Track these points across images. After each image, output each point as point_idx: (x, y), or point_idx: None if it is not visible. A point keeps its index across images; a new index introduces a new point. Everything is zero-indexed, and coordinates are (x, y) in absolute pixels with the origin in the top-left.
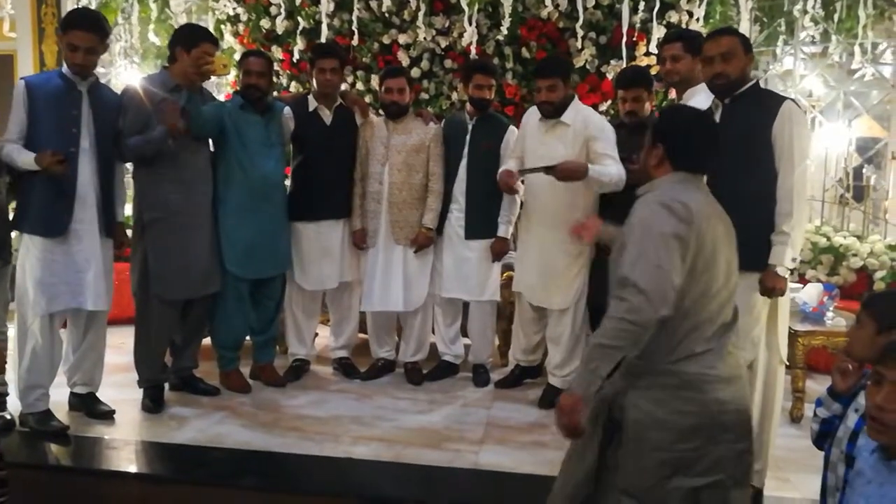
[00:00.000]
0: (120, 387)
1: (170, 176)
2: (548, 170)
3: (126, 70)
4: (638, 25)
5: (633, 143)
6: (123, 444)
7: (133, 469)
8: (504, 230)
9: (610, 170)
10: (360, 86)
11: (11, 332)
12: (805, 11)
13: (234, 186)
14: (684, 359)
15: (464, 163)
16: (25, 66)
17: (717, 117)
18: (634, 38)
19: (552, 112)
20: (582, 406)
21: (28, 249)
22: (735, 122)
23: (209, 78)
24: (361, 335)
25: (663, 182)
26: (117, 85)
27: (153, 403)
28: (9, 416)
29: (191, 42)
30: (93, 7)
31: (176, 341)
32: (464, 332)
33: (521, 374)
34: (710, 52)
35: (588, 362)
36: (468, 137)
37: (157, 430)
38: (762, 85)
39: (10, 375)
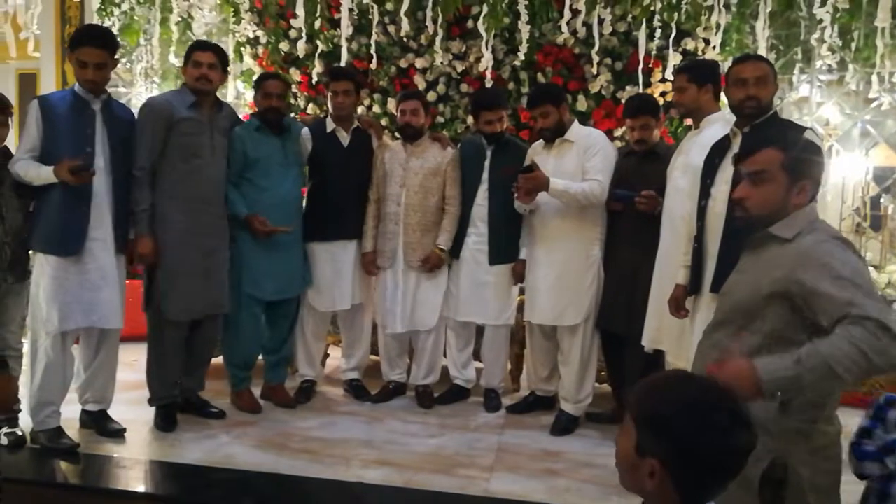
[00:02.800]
0: (132, 404)
1: (178, 195)
2: (524, 170)
3: (147, 91)
4: (654, 52)
5: (643, 171)
6: (133, 463)
7: (142, 489)
8: (526, 252)
9: (580, 185)
10: (376, 108)
11: (26, 348)
12: (822, 40)
13: (252, 208)
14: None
15: (484, 188)
16: (48, 85)
17: (737, 145)
18: (650, 65)
19: (551, 136)
20: (754, 384)
21: (42, 267)
22: (754, 151)
23: (207, 88)
24: (372, 357)
25: (813, 216)
26: (137, 105)
27: (165, 422)
28: (20, 433)
29: (186, 56)
30: (115, 28)
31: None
32: (475, 356)
33: (534, 402)
34: (744, 73)
35: (799, 365)
36: (487, 163)
37: (167, 449)
38: (779, 114)
39: (22, 392)
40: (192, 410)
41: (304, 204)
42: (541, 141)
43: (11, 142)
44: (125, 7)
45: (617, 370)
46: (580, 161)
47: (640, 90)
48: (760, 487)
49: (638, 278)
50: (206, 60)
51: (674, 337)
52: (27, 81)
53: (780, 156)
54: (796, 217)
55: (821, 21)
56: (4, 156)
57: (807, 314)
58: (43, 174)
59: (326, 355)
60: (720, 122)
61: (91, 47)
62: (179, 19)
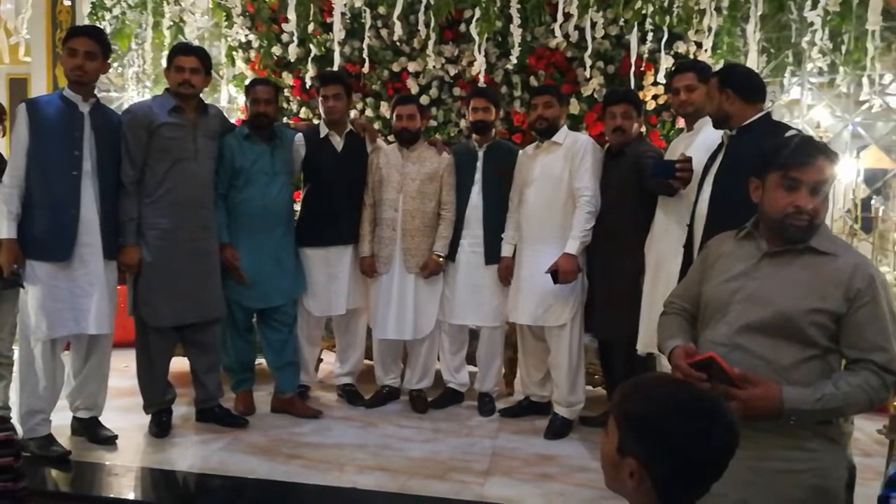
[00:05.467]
0: (124, 411)
1: (162, 200)
2: (553, 276)
3: (139, 95)
4: (646, 55)
5: (611, 167)
6: (125, 471)
7: (133, 496)
8: (508, 250)
9: (581, 227)
10: (369, 112)
11: (16, 355)
12: (813, 43)
13: (237, 216)
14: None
15: (477, 189)
16: (39, 89)
17: (725, 147)
18: (642, 68)
19: (546, 129)
20: (776, 408)
21: (32, 274)
22: (742, 152)
23: (190, 93)
24: (366, 361)
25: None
26: None
27: (159, 428)
28: None
29: (168, 61)
30: (107, 32)
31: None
32: (469, 359)
33: (528, 407)
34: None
35: (819, 403)
36: (479, 164)
37: (159, 455)
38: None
39: (13, 399)
40: (214, 419)
41: (295, 210)
42: (531, 145)
43: (2, 147)
44: (116, 11)
45: (611, 373)
46: (566, 164)
47: None
48: (847, 497)
49: (613, 281)
50: (189, 65)
51: None
52: (18, 86)
53: (830, 167)
54: (827, 231)
55: (811, 24)
56: None
57: (829, 330)
58: (3, 226)
59: (320, 360)
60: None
61: (82, 37)
62: (171, 23)
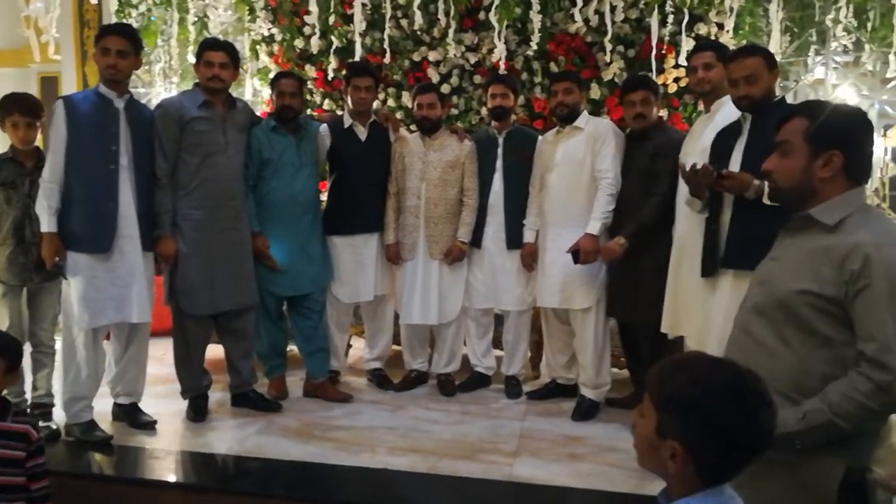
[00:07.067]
0: (162, 397)
1: (194, 192)
2: (574, 255)
3: (166, 91)
4: (667, 38)
5: (633, 151)
6: (165, 454)
7: (173, 478)
8: (531, 236)
9: (603, 208)
10: (391, 102)
11: (58, 345)
12: (837, 21)
13: (265, 206)
14: None
15: (498, 176)
16: (70, 88)
17: (746, 129)
18: (663, 51)
19: (567, 115)
20: None
21: (73, 266)
22: (764, 135)
23: (220, 87)
24: (394, 346)
25: (859, 201)
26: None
27: (196, 413)
28: (54, 427)
29: (197, 56)
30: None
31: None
32: (495, 343)
33: (555, 389)
34: (734, 74)
35: (804, 422)
36: (500, 151)
37: (197, 440)
38: (793, 96)
39: (56, 387)
40: (248, 404)
41: (322, 200)
42: (551, 131)
43: (39, 143)
44: (142, 8)
45: (634, 355)
46: (588, 148)
47: (654, 76)
48: (840, 498)
49: (635, 264)
50: (218, 60)
51: (694, 322)
52: (49, 84)
53: (803, 123)
54: (839, 200)
55: (836, 1)
56: (36, 157)
57: (833, 317)
58: (44, 220)
59: (349, 345)
60: (729, 105)
61: (114, 36)
62: (196, 19)
